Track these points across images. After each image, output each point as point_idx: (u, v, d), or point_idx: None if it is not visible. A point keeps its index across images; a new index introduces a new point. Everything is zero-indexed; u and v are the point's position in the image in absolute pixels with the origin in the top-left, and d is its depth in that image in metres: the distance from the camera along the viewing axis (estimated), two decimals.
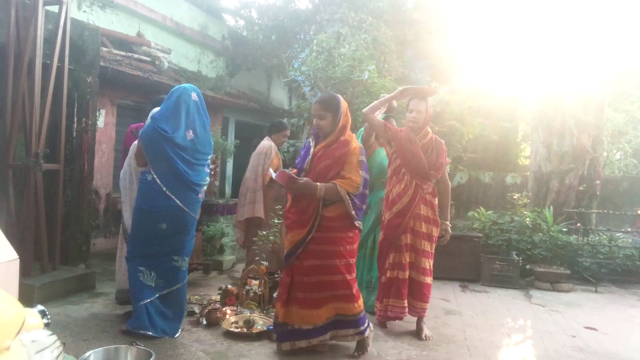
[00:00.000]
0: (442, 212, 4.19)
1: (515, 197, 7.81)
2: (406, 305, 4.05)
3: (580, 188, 7.89)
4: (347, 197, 3.31)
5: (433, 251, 4.16)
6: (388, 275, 4.08)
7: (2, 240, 2.57)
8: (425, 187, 4.05)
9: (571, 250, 6.83)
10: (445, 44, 9.49)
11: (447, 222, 4.21)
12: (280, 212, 4.92)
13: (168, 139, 3.46)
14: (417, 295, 4.08)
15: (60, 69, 4.87)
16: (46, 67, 4.73)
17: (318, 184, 3.29)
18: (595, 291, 6.20)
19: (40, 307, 2.02)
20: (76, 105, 5.32)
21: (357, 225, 3.43)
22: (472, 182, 8.87)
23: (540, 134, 8.33)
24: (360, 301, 3.45)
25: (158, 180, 3.49)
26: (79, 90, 5.33)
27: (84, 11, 6.83)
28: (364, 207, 3.53)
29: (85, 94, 5.37)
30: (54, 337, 1.83)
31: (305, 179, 3.33)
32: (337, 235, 3.35)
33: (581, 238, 6.93)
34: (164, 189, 3.48)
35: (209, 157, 3.79)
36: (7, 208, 4.47)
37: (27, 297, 4.09)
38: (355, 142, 3.48)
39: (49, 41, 4.81)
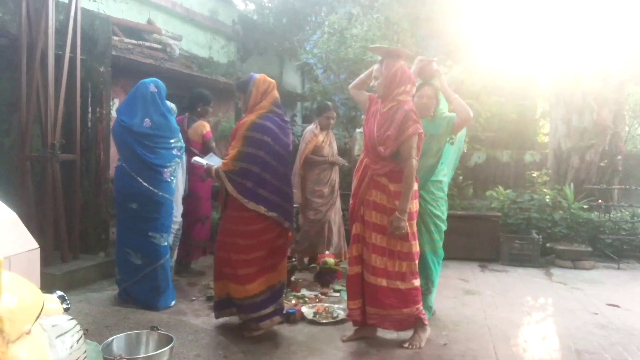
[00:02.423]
0: (400, 199, 3.25)
1: (534, 175, 7.69)
2: (357, 307, 3.41)
3: (601, 164, 7.73)
4: (224, 176, 3.36)
5: (398, 248, 3.29)
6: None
7: (22, 230, 2.60)
8: (375, 167, 3.31)
9: (592, 227, 6.72)
10: (459, 22, 9.29)
11: (398, 214, 3.19)
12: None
13: (127, 128, 3.93)
14: (368, 298, 3.36)
15: (72, 60, 4.88)
16: (59, 58, 4.74)
17: (214, 167, 3.47)
18: (618, 268, 6.11)
19: (59, 292, 2.05)
20: (90, 95, 5.34)
21: (249, 205, 3.32)
22: (489, 161, 8.73)
23: (560, 110, 8.16)
24: (251, 286, 3.35)
25: (125, 165, 3.95)
26: (92, 80, 5.34)
27: (94, 0, 6.81)
28: (265, 184, 3.37)
29: (99, 84, 5.38)
30: (74, 322, 1.85)
31: (209, 163, 3.55)
32: (231, 214, 3.46)
33: (603, 215, 6.81)
34: (130, 171, 3.91)
35: (173, 140, 4.11)
36: (26, 199, 4.52)
37: (48, 286, 4.07)
38: (252, 117, 3.44)
39: (61, 32, 4.82)
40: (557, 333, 3.82)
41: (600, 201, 7.03)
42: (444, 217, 3.89)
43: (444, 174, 3.92)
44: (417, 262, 3.37)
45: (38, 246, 2.53)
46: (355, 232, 3.43)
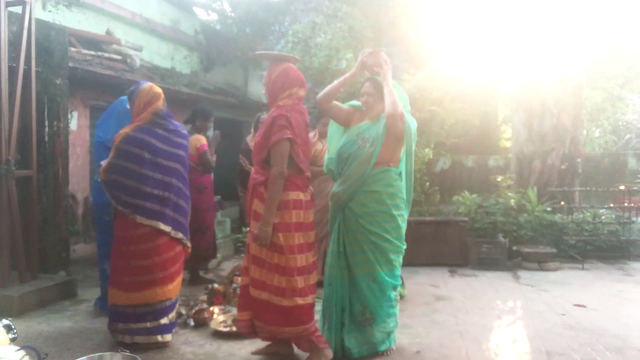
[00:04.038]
0: (264, 208, 3.04)
1: (499, 179, 7.82)
2: (245, 318, 3.23)
3: (562, 167, 7.93)
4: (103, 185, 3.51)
5: (274, 261, 3.03)
6: None
7: None
8: (255, 176, 3.17)
9: (556, 229, 6.86)
10: (421, 30, 9.43)
11: (261, 225, 3.01)
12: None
13: (102, 143, 4.03)
14: (253, 311, 3.16)
15: (27, 72, 4.70)
16: (12, 71, 4.55)
17: None
18: (582, 268, 6.24)
19: (5, 321, 1.92)
20: (46, 108, 5.15)
21: (126, 213, 3.39)
22: (455, 166, 8.87)
23: (521, 115, 8.34)
24: (131, 295, 3.38)
25: (97, 178, 3.89)
26: (49, 92, 5.16)
27: (49, 11, 6.61)
28: (143, 195, 3.40)
29: (55, 97, 5.20)
30: (22, 353, 1.74)
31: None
32: (117, 220, 3.57)
33: (565, 217, 6.96)
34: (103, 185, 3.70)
35: None
36: None
37: (6, 309, 3.97)
38: (127, 129, 3.47)
39: (14, 43, 4.64)
40: (527, 335, 3.85)
41: (562, 203, 7.19)
42: (390, 236, 3.27)
43: (391, 185, 3.31)
44: (305, 277, 3.09)
45: None
46: (248, 242, 3.27)
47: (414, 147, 3.45)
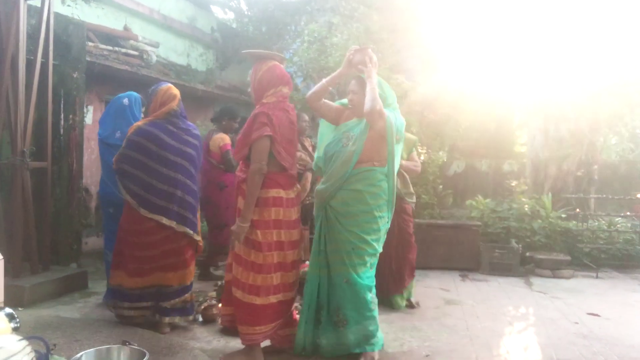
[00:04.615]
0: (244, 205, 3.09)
1: (513, 184, 7.73)
2: (226, 312, 3.35)
3: (578, 173, 7.83)
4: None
5: (251, 258, 3.06)
6: None
7: None
8: (239, 173, 3.24)
9: (571, 236, 6.76)
10: (437, 32, 9.35)
11: (239, 221, 3.06)
12: None
13: (101, 141, 4.24)
14: (234, 307, 3.19)
15: (44, 65, 4.74)
16: (30, 63, 4.59)
17: None
18: (596, 277, 6.14)
19: (7, 310, 1.91)
20: (62, 101, 5.19)
21: (132, 205, 3.54)
22: (469, 170, 8.77)
23: (537, 120, 8.25)
24: (136, 280, 3.60)
25: (102, 172, 4.29)
26: (65, 86, 5.20)
27: (68, 5, 6.67)
28: (150, 188, 3.55)
29: (72, 90, 5.23)
30: (24, 343, 1.72)
31: None
32: (125, 211, 3.71)
33: (580, 224, 6.86)
34: (105, 179, 4.19)
35: None
36: None
37: (17, 299, 3.99)
38: (140, 122, 3.68)
39: (33, 37, 4.67)
40: (539, 343, 3.79)
41: (577, 210, 7.09)
42: (369, 237, 3.19)
43: (375, 185, 3.22)
44: (282, 274, 3.12)
45: (1, 257, 2.40)
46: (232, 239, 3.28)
47: (399, 146, 3.35)
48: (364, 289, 3.17)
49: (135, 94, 4.34)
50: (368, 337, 3.18)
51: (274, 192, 3.08)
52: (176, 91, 3.76)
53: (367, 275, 3.23)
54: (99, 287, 4.76)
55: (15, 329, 1.87)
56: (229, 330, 3.64)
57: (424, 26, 9.59)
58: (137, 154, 3.55)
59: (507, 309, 4.67)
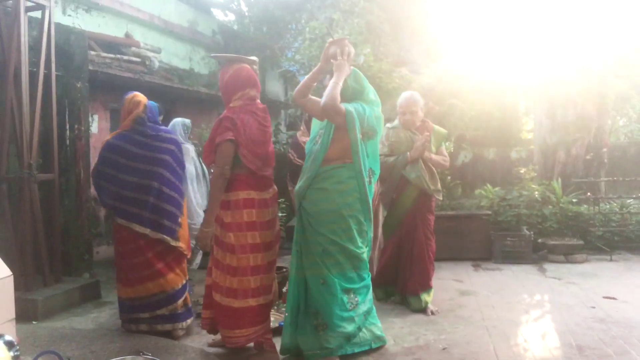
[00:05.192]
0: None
1: (522, 171, 7.67)
2: (206, 316, 3.32)
3: (587, 157, 7.75)
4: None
5: (226, 261, 3.07)
6: None
7: None
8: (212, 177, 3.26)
9: (582, 220, 6.70)
10: (439, 22, 9.29)
11: (202, 227, 3.11)
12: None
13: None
14: (215, 311, 3.22)
15: (47, 76, 4.74)
16: (33, 75, 4.59)
17: None
18: (610, 260, 6.08)
19: (7, 337, 1.88)
20: (67, 112, 5.20)
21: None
22: (476, 160, 8.70)
23: (543, 105, 8.17)
24: (127, 289, 3.67)
25: None
26: (69, 96, 5.21)
27: (69, 15, 6.68)
28: (122, 198, 3.66)
29: (76, 100, 5.24)
30: None
31: None
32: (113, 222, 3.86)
33: (592, 208, 6.79)
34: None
35: None
36: (4, 223, 4.36)
37: (30, 313, 4.01)
38: (109, 137, 3.81)
39: (34, 48, 4.68)
40: (556, 330, 3.76)
41: (588, 194, 7.02)
42: (339, 238, 3.09)
43: (342, 182, 3.14)
44: (261, 277, 3.11)
45: (11, 273, 2.39)
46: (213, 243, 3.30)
47: (373, 142, 3.26)
48: (340, 290, 3.09)
49: (152, 102, 4.34)
50: (349, 338, 3.14)
51: (244, 194, 3.09)
52: (141, 98, 3.80)
53: (346, 276, 3.14)
54: (112, 296, 4.74)
55: (15, 358, 1.84)
56: None
57: (426, 16, 9.54)
58: (107, 169, 3.66)
59: (522, 297, 4.63)
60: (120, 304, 3.75)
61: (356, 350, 3.20)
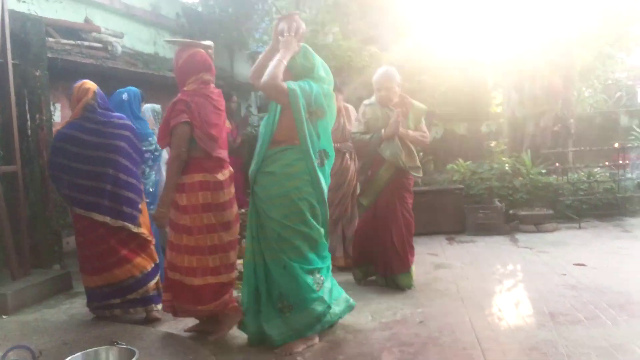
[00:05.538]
0: None
1: (492, 145, 7.78)
2: (167, 299, 3.33)
3: (555, 129, 7.89)
4: None
5: (184, 242, 3.13)
6: None
7: None
8: None
9: (552, 190, 6.85)
10: None
11: (158, 207, 3.23)
12: None
13: None
14: (172, 292, 3.29)
15: (3, 66, 4.56)
16: None
17: None
18: (579, 227, 6.24)
19: None
20: (27, 101, 5.00)
21: (70, 207, 3.71)
22: (447, 135, 8.74)
23: (512, 79, 8.26)
24: (91, 278, 3.67)
25: None
26: (28, 85, 5.01)
27: (24, 1, 6.41)
28: (76, 187, 3.62)
29: (36, 89, 5.05)
30: None
31: None
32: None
33: (560, 178, 6.94)
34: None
35: (144, 142, 4.18)
36: None
37: (0, 307, 3.91)
38: (59, 126, 3.82)
39: None
40: (529, 298, 3.84)
41: (557, 165, 7.16)
42: (290, 222, 3.01)
43: (290, 165, 3.05)
44: (219, 255, 3.15)
45: None
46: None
47: (324, 121, 3.15)
48: (302, 273, 3.02)
49: (134, 88, 4.32)
50: (320, 318, 3.07)
51: (199, 177, 3.13)
52: (90, 85, 3.76)
53: (306, 259, 3.06)
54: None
55: None
56: None
57: None
58: (61, 159, 3.60)
59: (496, 268, 4.72)
60: (89, 293, 3.72)
61: (327, 327, 3.20)
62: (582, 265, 4.58)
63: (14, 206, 4.58)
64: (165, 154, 4.93)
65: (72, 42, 6.56)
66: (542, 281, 4.18)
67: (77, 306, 4.17)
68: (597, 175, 7.10)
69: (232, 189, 3.30)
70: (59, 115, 6.32)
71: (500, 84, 9.41)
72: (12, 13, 4.88)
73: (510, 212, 6.54)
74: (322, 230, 3.16)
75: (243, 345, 3.17)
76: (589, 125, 9.87)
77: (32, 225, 4.85)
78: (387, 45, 8.48)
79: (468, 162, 7.38)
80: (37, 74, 5.09)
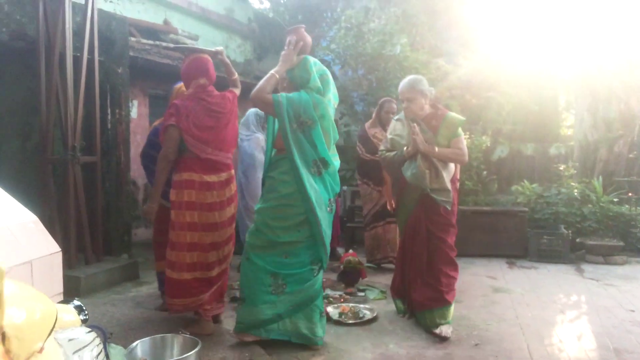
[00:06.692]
0: None
1: (561, 168, 7.49)
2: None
3: (631, 155, 7.52)
4: None
5: (173, 239, 3.34)
6: None
7: (44, 234, 2.56)
8: None
9: (623, 221, 6.50)
10: (476, 13, 9.10)
11: (149, 202, 3.46)
12: None
13: None
14: None
15: (90, 61, 4.84)
16: (77, 60, 4.70)
17: None
18: None
19: (76, 302, 1.96)
20: (109, 96, 5.31)
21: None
22: (513, 154, 8.53)
23: (585, 100, 7.95)
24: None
25: None
26: (111, 81, 5.32)
27: (110, 1, 6.81)
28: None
29: (117, 85, 5.35)
30: (93, 335, 1.76)
31: None
32: None
33: (634, 208, 6.59)
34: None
35: None
36: (48, 202, 4.51)
37: (73, 289, 4.14)
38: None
39: (78, 34, 4.78)
40: (592, 332, 3.67)
41: (630, 194, 6.81)
42: (274, 224, 3.12)
43: (286, 173, 3.12)
44: (197, 254, 3.28)
45: (60, 249, 2.48)
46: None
47: (315, 131, 3.10)
48: (262, 271, 3.11)
49: None
50: (264, 323, 3.12)
51: (186, 175, 3.30)
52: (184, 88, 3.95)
53: (275, 260, 3.12)
54: (150, 276, 4.88)
55: (84, 321, 1.93)
56: None
57: (463, 5, 9.35)
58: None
59: (558, 297, 4.54)
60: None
61: (271, 337, 3.15)
62: None
63: (91, 195, 4.86)
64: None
65: (151, 42, 6.90)
66: (608, 315, 3.99)
67: (142, 295, 4.36)
68: None
69: (229, 192, 3.41)
70: (135, 111, 6.65)
71: (572, 104, 9.09)
72: (100, 12, 5.17)
73: (577, 240, 6.26)
74: (304, 240, 3.15)
75: (297, 348, 3.17)
76: None
77: (105, 215, 5.12)
78: (455, 59, 8.38)
79: (534, 185, 7.14)
80: (119, 71, 5.38)
